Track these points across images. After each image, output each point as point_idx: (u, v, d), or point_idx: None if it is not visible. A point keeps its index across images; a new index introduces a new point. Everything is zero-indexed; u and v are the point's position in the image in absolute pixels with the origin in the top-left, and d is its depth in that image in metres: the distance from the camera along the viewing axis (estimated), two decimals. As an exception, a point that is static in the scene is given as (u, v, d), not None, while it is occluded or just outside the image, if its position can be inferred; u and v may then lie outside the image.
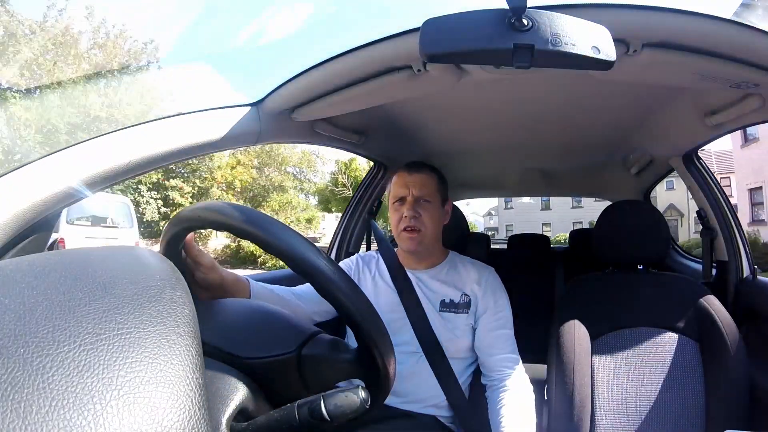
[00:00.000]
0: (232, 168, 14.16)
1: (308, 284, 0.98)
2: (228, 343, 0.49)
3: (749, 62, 0.69)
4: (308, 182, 17.16)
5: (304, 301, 0.94)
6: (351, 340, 0.57)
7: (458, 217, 1.35)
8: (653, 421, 0.94)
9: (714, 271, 1.26)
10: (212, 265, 0.71)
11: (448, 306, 0.99)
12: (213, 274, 0.70)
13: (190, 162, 12.92)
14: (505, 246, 2.79)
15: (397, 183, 1.03)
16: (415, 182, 1.00)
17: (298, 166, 16.73)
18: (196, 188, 13.60)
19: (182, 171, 13.55)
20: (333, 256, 1.60)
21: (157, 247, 0.61)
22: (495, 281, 1.03)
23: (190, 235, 0.65)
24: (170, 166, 11.66)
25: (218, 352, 0.47)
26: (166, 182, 13.04)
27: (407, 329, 0.96)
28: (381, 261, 1.07)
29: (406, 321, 0.97)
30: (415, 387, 0.95)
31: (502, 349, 0.96)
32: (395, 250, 1.08)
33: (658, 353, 0.98)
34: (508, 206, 28.64)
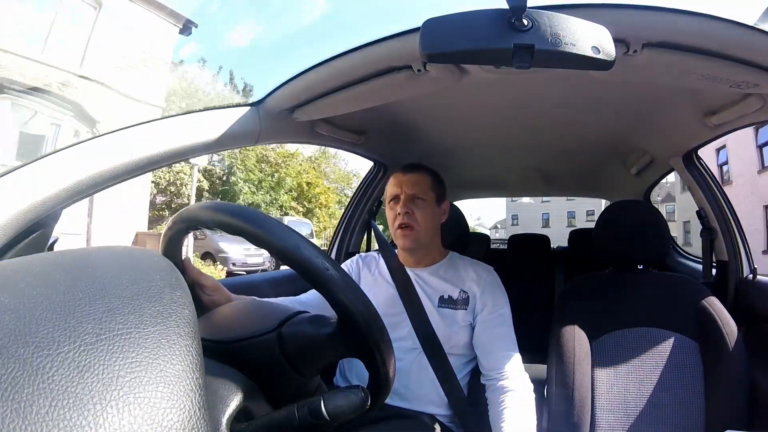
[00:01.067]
0: (324, 193, 17.55)
1: (311, 292, 0.99)
2: (209, 333, 0.49)
3: (749, 62, 0.69)
4: (345, 197, 19.49)
5: (309, 309, 0.95)
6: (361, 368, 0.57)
7: (458, 216, 1.35)
8: (653, 421, 0.94)
9: (714, 271, 1.26)
10: (216, 286, 0.71)
11: (446, 302, 1.00)
12: (219, 295, 0.70)
13: (304, 191, 16.70)
14: (504, 246, 2.79)
15: (391, 183, 1.05)
16: (408, 181, 1.02)
17: (337, 183, 19.27)
18: (305, 208, 16.83)
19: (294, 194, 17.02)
20: (333, 255, 1.60)
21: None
22: (494, 280, 1.04)
23: (188, 259, 0.65)
24: (292, 192, 15.97)
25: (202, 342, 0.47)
26: (291, 203, 16.08)
27: (406, 325, 0.97)
28: (381, 260, 1.09)
29: (405, 317, 0.98)
30: (414, 384, 0.95)
31: (501, 348, 0.96)
32: (396, 250, 1.09)
33: (658, 353, 0.98)
34: (515, 222, 33.36)
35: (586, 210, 27.14)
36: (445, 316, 0.99)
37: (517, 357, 0.96)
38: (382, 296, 1.02)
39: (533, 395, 0.92)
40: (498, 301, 1.01)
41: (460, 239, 1.30)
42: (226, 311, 0.58)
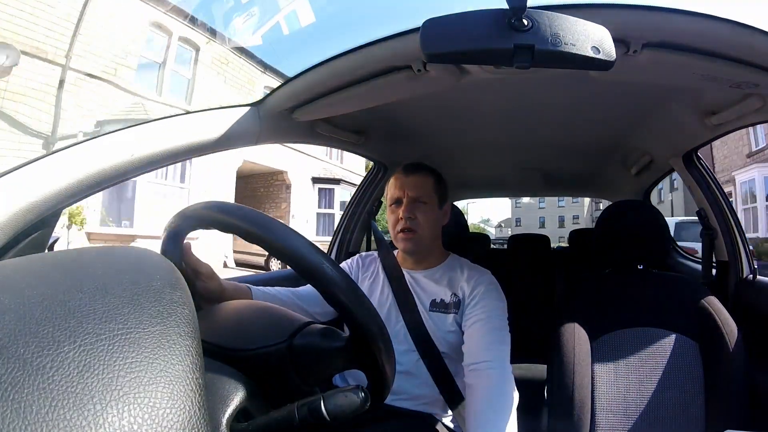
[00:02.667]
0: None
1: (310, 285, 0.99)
2: (219, 338, 0.49)
3: (749, 62, 0.69)
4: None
5: (306, 302, 0.95)
6: None
7: (458, 217, 1.35)
8: (653, 421, 0.94)
9: (714, 271, 1.26)
10: (211, 274, 0.70)
11: (438, 306, 0.98)
12: (213, 283, 0.70)
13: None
14: (505, 246, 2.79)
15: (393, 185, 1.02)
16: (411, 183, 0.99)
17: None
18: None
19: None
20: (333, 256, 1.60)
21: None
22: (487, 279, 1.00)
23: (188, 244, 0.65)
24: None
25: (209, 347, 0.46)
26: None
27: (401, 327, 0.97)
28: (380, 262, 1.08)
29: (400, 319, 0.97)
30: (412, 385, 0.95)
31: (482, 339, 0.90)
32: (395, 252, 1.08)
33: (658, 353, 0.98)
34: (518, 224, 41.80)
35: (573, 215, 37.44)
36: (436, 320, 0.97)
37: (500, 350, 0.89)
38: (378, 298, 1.01)
39: (510, 389, 0.85)
40: (487, 296, 0.96)
41: (460, 239, 1.30)
42: (232, 314, 0.57)
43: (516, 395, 0.85)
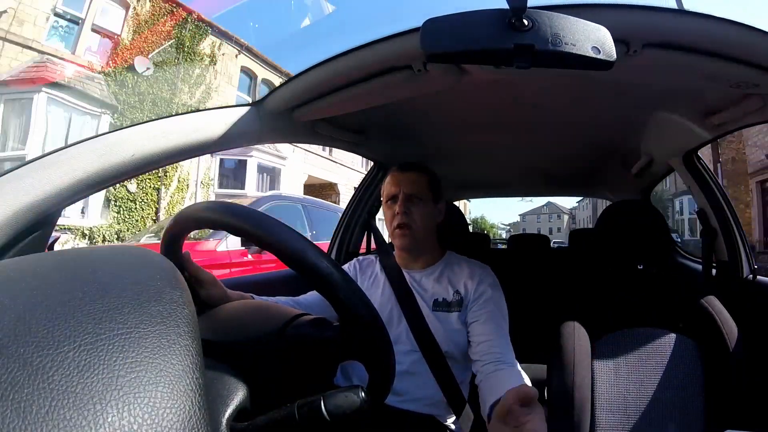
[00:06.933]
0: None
1: (311, 293, 0.99)
2: (213, 334, 0.49)
3: (749, 62, 0.69)
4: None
5: (306, 311, 0.94)
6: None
7: (458, 216, 1.35)
8: (653, 421, 0.94)
9: (714, 271, 1.26)
10: (213, 281, 0.70)
11: (440, 305, 0.99)
12: (216, 290, 0.70)
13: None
14: (504, 246, 2.79)
15: (389, 182, 1.04)
16: (406, 180, 1.01)
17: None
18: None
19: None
20: (333, 256, 1.60)
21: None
22: (488, 277, 1.01)
23: (188, 253, 0.64)
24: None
25: (203, 343, 0.46)
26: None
27: (403, 328, 0.97)
28: (379, 263, 1.08)
29: (402, 319, 0.97)
30: (414, 386, 0.95)
31: (491, 336, 0.92)
32: (393, 251, 1.08)
33: (658, 353, 0.98)
34: (524, 231, 53.12)
35: (557, 227, 56.67)
36: (440, 319, 0.97)
37: (507, 346, 0.91)
38: (380, 299, 1.01)
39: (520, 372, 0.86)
40: (489, 294, 0.98)
41: (460, 239, 1.30)
42: (228, 311, 0.58)
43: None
